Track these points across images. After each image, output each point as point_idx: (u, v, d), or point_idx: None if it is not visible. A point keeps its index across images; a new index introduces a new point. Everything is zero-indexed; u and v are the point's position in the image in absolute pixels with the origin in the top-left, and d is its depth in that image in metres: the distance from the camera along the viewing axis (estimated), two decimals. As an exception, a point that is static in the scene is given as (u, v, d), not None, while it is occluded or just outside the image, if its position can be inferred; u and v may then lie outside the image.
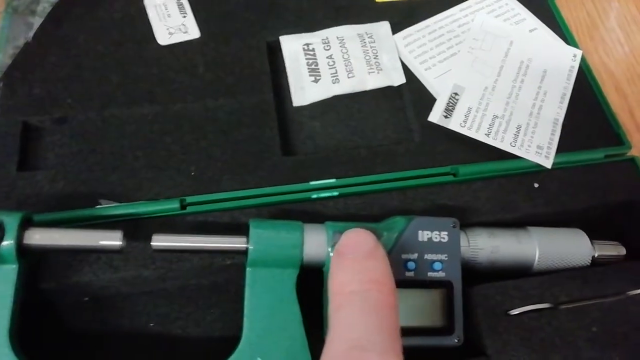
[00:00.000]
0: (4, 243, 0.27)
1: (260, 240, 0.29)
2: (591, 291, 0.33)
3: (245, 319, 0.29)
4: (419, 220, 0.31)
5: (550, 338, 0.31)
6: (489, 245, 0.32)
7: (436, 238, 0.30)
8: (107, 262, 0.31)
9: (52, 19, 0.39)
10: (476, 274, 0.32)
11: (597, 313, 0.32)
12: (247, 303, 0.29)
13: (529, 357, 0.31)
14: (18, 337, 0.27)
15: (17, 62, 0.38)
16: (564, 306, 0.32)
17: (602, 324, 0.32)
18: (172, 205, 0.33)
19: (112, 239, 0.29)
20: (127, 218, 0.33)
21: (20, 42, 0.38)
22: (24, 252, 0.28)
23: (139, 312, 0.33)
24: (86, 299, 0.33)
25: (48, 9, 0.38)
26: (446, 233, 0.31)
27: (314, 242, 0.30)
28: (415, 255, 0.30)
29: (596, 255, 0.34)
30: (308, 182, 0.35)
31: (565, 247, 0.34)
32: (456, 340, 0.30)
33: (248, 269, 0.30)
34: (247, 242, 0.29)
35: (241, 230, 0.30)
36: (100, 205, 0.33)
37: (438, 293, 0.30)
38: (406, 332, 0.29)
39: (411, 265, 0.30)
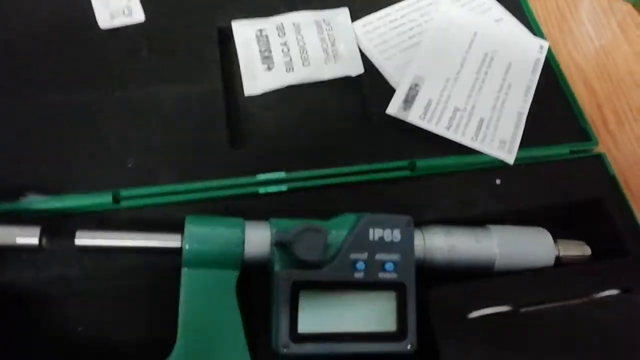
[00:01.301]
0: None
1: (196, 238, 0.27)
2: (554, 293, 0.31)
3: (180, 324, 0.27)
4: (371, 218, 0.29)
5: (510, 343, 0.29)
6: (445, 244, 0.30)
7: (388, 237, 0.28)
8: (29, 261, 0.29)
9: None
10: (433, 275, 0.30)
11: (559, 316, 0.30)
12: (182, 307, 0.27)
13: (487, 363, 0.29)
14: None
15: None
16: (525, 309, 0.30)
17: (565, 328, 0.30)
18: (104, 199, 0.31)
19: (30, 236, 0.26)
20: (54, 213, 0.30)
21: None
22: None
23: (67, 315, 0.30)
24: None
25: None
26: (399, 231, 0.29)
27: (257, 240, 0.28)
28: (365, 255, 0.28)
29: (560, 255, 0.32)
30: (255, 176, 0.33)
31: (527, 247, 0.32)
32: (409, 347, 0.27)
33: (183, 270, 0.27)
34: (182, 241, 0.27)
35: (178, 228, 0.28)
36: (25, 198, 0.30)
37: (390, 296, 0.28)
38: (355, 337, 0.27)
39: (360, 265, 0.28)
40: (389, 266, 0.28)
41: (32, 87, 0.35)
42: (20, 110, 0.34)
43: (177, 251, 0.27)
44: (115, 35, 0.37)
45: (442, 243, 0.30)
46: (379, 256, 0.28)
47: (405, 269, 0.28)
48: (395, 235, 0.28)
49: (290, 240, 0.27)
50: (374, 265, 0.28)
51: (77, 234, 0.26)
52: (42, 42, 0.36)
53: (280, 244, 0.27)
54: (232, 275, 0.28)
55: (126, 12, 0.38)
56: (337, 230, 0.28)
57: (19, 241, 0.26)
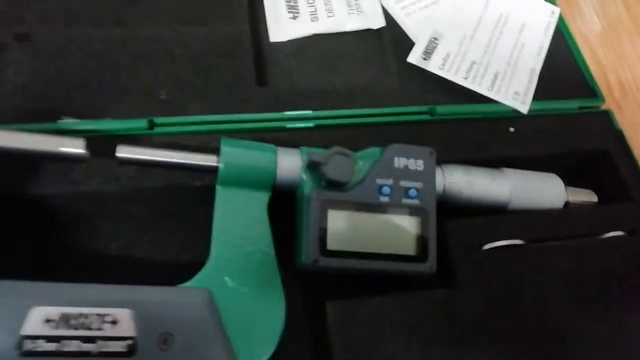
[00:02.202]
0: None
1: (231, 158, 0.28)
2: (563, 232, 0.33)
3: (213, 239, 0.28)
4: (396, 147, 0.30)
5: (521, 274, 0.31)
6: (463, 180, 0.32)
7: (412, 166, 0.30)
8: (68, 175, 0.30)
9: None
10: (451, 209, 0.32)
11: (567, 253, 0.32)
12: (216, 223, 0.28)
13: (499, 290, 0.30)
14: None
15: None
16: (535, 244, 0.32)
17: (572, 264, 0.32)
18: (140, 124, 0.32)
19: (75, 146, 0.27)
20: (91, 134, 0.31)
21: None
22: None
23: (101, 233, 0.31)
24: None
25: None
26: (422, 162, 0.30)
27: (288, 164, 0.29)
28: (390, 181, 0.29)
29: (569, 200, 0.34)
30: (283, 112, 0.34)
31: (539, 189, 0.34)
32: (429, 268, 0.29)
33: (218, 188, 0.28)
34: (218, 161, 0.28)
35: (211, 152, 0.29)
36: (62, 120, 0.31)
37: (413, 220, 0.29)
38: (381, 257, 0.28)
39: (386, 190, 0.29)
40: (412, 192, 0.29)
41: (64, 19, 0.36)
42: (51, 41, 0.35)
43: (213, 169, 0.28)
44: (147, -22, 0.38)
45: (460, 179, 0.32)
46: (403, 183, 0.29)
47: (427, 196, 0.30)
48: (419, 164, 0.30)
49: (322, 161, 0.28)
50: (398, 191, 0.29)
51: (119, 147, 0.27)
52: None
53: (312, 165, 0.28)
54: (265, 196, 0.29)
55: (157, -44, 0.39)
56: (364, 160, 0.30)
57: (64, 150, 0.27)
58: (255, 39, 0.38)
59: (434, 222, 0.30)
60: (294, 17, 0.39)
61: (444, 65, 0.37)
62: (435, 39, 0.38)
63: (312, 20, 0.39)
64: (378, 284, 0.30)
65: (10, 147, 0.26)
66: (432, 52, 0.38)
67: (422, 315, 0.29)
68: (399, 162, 0.30)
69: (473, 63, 0.38)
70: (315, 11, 0.39)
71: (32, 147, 0.27)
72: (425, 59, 0.37)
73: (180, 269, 0.28)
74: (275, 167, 0.29)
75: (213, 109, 0.34)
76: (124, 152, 0.27)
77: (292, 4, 0.39)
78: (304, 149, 0.30)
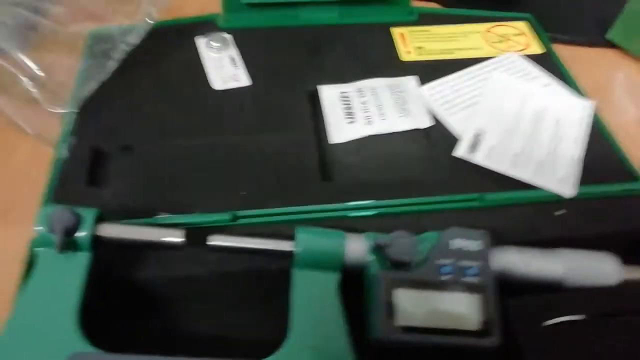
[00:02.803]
0: (81, 233, 0.30)
1: (306, 243, 0.32)
2: (624, 306, 0.34)
3: (291, 317, 0.31)
4: (452, 230, 0.33)
5: (584, 347, 0.32)
6: (517, 260, 0.34)
7: (468, 247, 0.33)
8: (163, 263, 0.34)
9: (125, 65, 0.45)
10: (506, 289, 0.34)
11: (628, 328, 0.33)
12: (293, 301, 0.31)
13: (564, 363, 0.32)
14: (85, 320, 0.29)
15: (92, 98, 0.43)
16: (595, 319, 0.33)
17: (633, 339, 0.33)
18: (225, 217, 0.37)
19: (175, 236, 0.32)
20: (184, 227, 0.36)
21: (97, 82, 0.43)
22: (96, 242, 0.31)
23: (191, 313, 0.35)
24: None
25: (122, 56, 0.44)
26: (477, 243, 0.33)
27: (355, 247, 0.33)
28: (450, 261, 0.32)
29: (625, 277, 0.35)
30: (345, 202, 0.38)
31: (594, 267, 0.35)
32: (493, 342, 0.31)
33: (294, 270, 0.32)
34: (294, 246, 0.32)
35: (288, 239, 0.33)
36: (158, 216, 0.37)
37: (473, 297, 0.32)
38: (447, 332, 0.31)
39: (446, 269, 0.32)
40: (470, 271, 0.32)
41: (160, 133, 0.42)
42: (150, 151, 0.41)
43: (289, 254, 0.32)
44: (226, 94, 0.46)
45: (514, 259, 0.34)
46: (462, 263, 0.32)
47: (486, 274, 0.32)
48: (474, 245, 0.33)
49: (387, 244, 0.32)
50: (458, 270, 0.32)
51: (209, 237, 0.32)
52: (176, 101, 0.44)
53: (378, 247, 0.32)
54: (335, 277, 0.32)
55: (234, 78, 0.47)
56: (423, 244, 0.33)
57: (165, 239, 0.32)
58: (318, 142, 0.43)
59: (494, 298, 0.32)
60: (351, 122, 0.45)
61: (489, 157, 0.41)
62: (478, 134, 0.43)
63: (367, 124, 0.45)
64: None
65: (125, 237, 0.31)
66: (477, 145, 0.42)
67: (491, 388, 0.30)
68: (456, 243, 0.33)
69: (516, 154, 0.42)
70: (370, 116, 0.45)
71: (141, 237, 0.32)
72: (471, 152, 0.42)
73: (260, 344, 0.31)
74: (344, 250, 0.32)
75: (286, 202, 0.38)
76: (214, 240, 0.32)
77: (348, 111, 0.45)
78: (369, 234, 0.33)
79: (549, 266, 0.34)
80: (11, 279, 0.38)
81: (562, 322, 0.33)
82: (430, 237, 0.34)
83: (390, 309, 0.31)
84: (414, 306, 0.31)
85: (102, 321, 0.30)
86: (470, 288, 0.32)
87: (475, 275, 0.32)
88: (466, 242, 0.33)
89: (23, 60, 0.40)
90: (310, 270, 0.32)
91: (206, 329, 0.34)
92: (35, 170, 0.44)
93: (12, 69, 0.40)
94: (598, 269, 0.35)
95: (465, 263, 0.32)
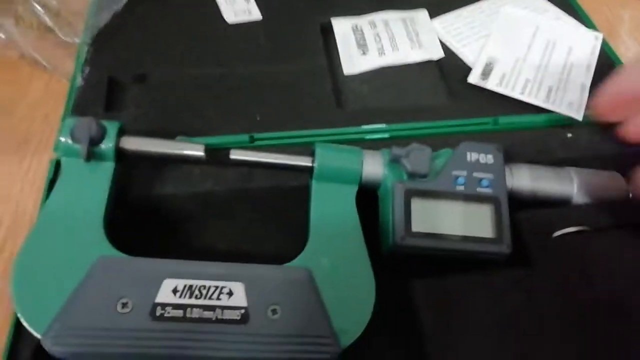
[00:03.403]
0: (106, 144, 0.31)
1: (324, 159, 0.33)
2: (629, 219, 0.35)
3: (310, 226, 0.32)
4: (467, 144, 0.34)
5: (590, 257, 0.33)
6: (530, 176, 0.35)
7: (483, 159, 0.34)
8: (185, 179, 0.35)
9: (137, -2, 0.45)
10: (519, 204, 0.35)
11: (631, 238, 0.34)
12: (312, 212, 0.32)
13: (571, 271, 0.33)
14: (112, 228, 0.30)
15: (106, 28, 0.44)
16: (602, 231, 0.34)
17: (636, 248, 0.34)
18: (242, 138, 0.37)
19: (196, 149, 0.32)
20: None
21: (110, 12, 0.43)
22: (119, 154, 0.32)
23: (210, 231, 0.36)
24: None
25: (135, -12, 0.45)
26: (492, 156, 0.34)
27: (372, 162, 0.33)
28: (465, 172, 0.33)
29: (631, 195, 0.36)
30: (361, 126, 0.39)
31: (602, 185, 0.36)
32: (506, 249, 0.32)
33: (313, 182, 0.33)
34: (313, 161, 0.33)
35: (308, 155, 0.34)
36: (178, 139, 0.37)
37: (487, 206, 0.33)
38: (460, 238, 0.32)
39: (461, 180, 0.33)
40: (484, 182, 0.33)
41: (173, 63, 0.43)
42: (164, 80, 0.42)
43: (309, 169, 0.33)
44: (238, 28, 0.46)
45: (526, 175, 0.35)
46: (476, 174, 0.33)
47: (499, 186, 0.33)
48: (489, 158, 0.34)
49: (403, 155, 0.32)
50: (472, 181, 0.33)
51: (232, 151, 0.32)
52: (189, 33, 0.45)
53: (395, 158, 0.33)
54: (353, 189, 0.33)
55: (246, 11, 0.47)
56: (439, 158, 0.34)
57: (186, 152, 0.32)
58: (331, 72, 0.44)
59: (507, 208, 0.33)
60: (364, 53, 0.45)
61: (501, 83, 0.42)
62: (490, 62, 0.43)
63: (380, 55, 0.45)
64: (457, 268, 0.33)
65: (147, 150, 0.32)
66: (489, 73, 0.42)
67: (502, 291, 0.31)
68: (471, 156, 0.34)
69: (527, 81, 0.42)
70: (382, 47, 0.45)
71: (163, 150, 0.32)
72: (483, 78, 0.42)
73: (280, 257, 0.32)
74: (362, 165, 0.33)
75: (301, 126, 0.39)
76: (236, 154, 0.32)
77: (361, 42, 0.45)
78: (385, 150, 0.34)
79: (560, 182, 0.35)
80: (28, 201, 0.39)
81: (570, 233, 0.34)
82: (445, 153, 0.34)
83: (407, 216, 0.32)
84: (429, 214, 0.32)
85: (126, 234, 0.31)
86: (484, 198, 0.33)
87: (488, 186, 0.33)
88: (480, 155, 0.34)
89: (37, -11, 0.40)
90: (329, 183, 0.33)
91: (226, 243, 0.35)
92: (50, 102, 0.45)
93: (27, -3, 0.40)
94: (606, 185, 0.36)
95: (480, 174, 0.33)
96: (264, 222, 0.36)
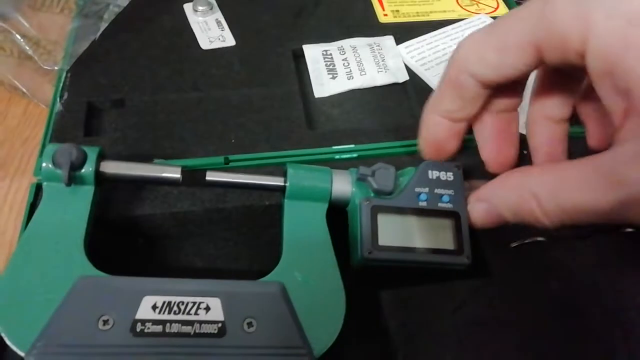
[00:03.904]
0: (86, 169, 0.32)
1: (296, 178, 0.35)
2: (583, 229, 0.38)
3: (283, 242, 0.34)
4: (428, 163, 0.37)
5: (545, 265, 0.36)
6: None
7: (443, 177, 0.36)
8: (163, 200, 0.37)
9: (115, 25, 0.47)
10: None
11: (584, 246, 0.37)
12: (285, 229, 0.34)
13: (528, 278, 0.35)
14: (92, 251, 0.31)
15: (84, 56, 0.45)
16: (555, 240, 0.37)
17: (589, 254, 0.37)
18: (218, 160, 0.39)
19: (173, 172, 0.34)
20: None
21: (88, 41, 0.45)
22: (99, 178, 0.33)
23: (184, 247, 0.37)
24: (141, 240, 0.37)
25: (112, 17, 0.46)
26: (451, 173, 0.36)
27: (341, 181, 0.36)
28: (427, 189, 0.35)
29: None
30: (331, 147, 0.41)
31: None
32: (466, 259, 0.34)
33: (286, 201, 0.35)
34: (285, 181, 0.35)
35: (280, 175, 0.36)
36: (154, 162, 0.39)
37: (448, 220, 0.35)
38: (424, 250, 0.34)
39: (423, 197, 0.35)
40: (445, 198, 0.35)
41: (151, 89, 0.44)
42: (142, 105, 0.43)
43: (281, 188, 0.35)
44: (213, 53, 0.48)
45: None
46: (437, 190, 0.35)
47: (458, 201, 0.35)
48: (449, 175, 0.36)
49: (369, 174, 0.35)
50: (434, 197, 0.35)
51: (208, 172, 0.34)
52: (165, 59, 0.47)
53: (362, 177, 0.35)
54: (323, 207, 0.35)
55: (221, 39, 0.49)
56: (403, 176, 0.36)
57: (164, 175, 0.34)
58: (303, 95, 0.46)
59: (466, 222, 0.35)
60: (333, 77, 0.47)
61: (461, 105, 0.44)
62: (452, 86, 0.46)
63: (349, 79, 0.47)
64: (421, 278, 0.35)
65: (126, 173, 0.33)
66: (451, 96, 0.45)
67: (463, 300, 0.34)
68: (432, 174, 0.36)
69: (486, 103, 0.45)
70: (351, 71, 0.48)
71: (141, 173, 0.34)
72: (445, 101, 0.45)
73: (254, 272, 0.34)
74: (331, 183, 0.35)
75: (274, 148, 0.41)
76: (212, 176, 0.34)
77: (331, 67, 0.48)
78: (353, 170, 0.36)
79: None
80: (8, 222, 0.40)
81: (526, 243, 0.37)
82: (408, 171, 0.37)
83: (374, 231, 0.34)
84: (395, 229, 0.34)
85: (105, 253, 0.32)
86: (445, 213, 0.35)
87: (449, 202, 0.35)
88: (441, 173, 0.36)
89: (18, 19, 0.42)
90: (300, 201, 0.35)
91: (203, 260, 0.37)
92: (28, 127, 0.46)
93: (8, 28, 0.41)
94: None
95: (441, 191, 0.36)
96: (238, 239, 0.37)
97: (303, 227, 0.34)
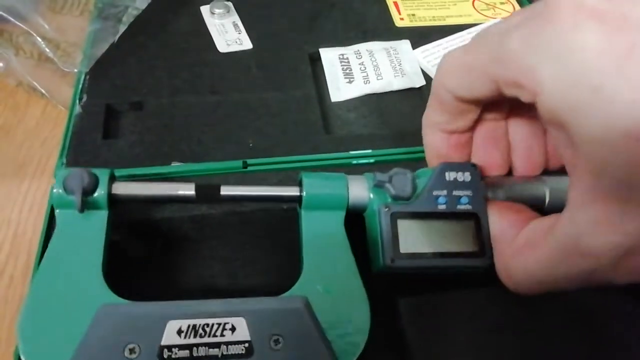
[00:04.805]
0: (98, 193, 0.31)
1: (311, 186, 0.34)
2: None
3: (303, 255, 0.33)
4: (445, 164, 0.36)
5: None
6: (505, 184, 0.35)
7: (460, 178, 0.35)
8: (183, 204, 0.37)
9: (134, 28, 0.47)
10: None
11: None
12: (304, 240, 0.33)
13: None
14: (109, 274, 0.31)
15: (103, 58, 0.45)
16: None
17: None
18: (236, 164, 0.39)
19: (187, 190, 0.33)
20: (197, 174, 0.39)
21: (107, 43, 0.45)
22: (112, 200, 0.32)
23: (204, 252, 0.37)
24: (160, 241, 0.37)
25: (131, 19, 0.47)
26: (469, 173, 0.35)
27: (357, 187, 0.35)
28: (445, 192, 0.35)
29: None
30: (348, 152, 0.41)
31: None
32: (489, 261, 0.33)
33: (302, 212, 0.34)
34: (301, 190, 0.34)
35: (295, 184, 0.35)
36: (173, 164, 0.39)
37: (468, 222, 0.34)
38: (445, 255, 0.33)
39: (442, 200, 0.34)
40: (464, 200, 0.34)
41: (169, 91, 0.45)
42: (160, 107, 0.44)
43: (297, 198, 0.34)
44: (230, 57, 0.48)
45: (501, 182, 0.36)
46: (456, 192, 0.35)
47: (477, 202, 0.34)
48: (466, 176, 0.35)
49: (386, 180, 0.34)
50: (452, 199, 0.34)
51: (222, 187, 0.33)
52: (183, 62, 0.47)
53: (379, 184, 0.34)
54: (341, 215, 0.34)
55: (238, 42, 0.49)
56: (420, 179, 0.35)
57: (179, 193, 0.32)
58: (319, 100, 0.46)
59: (487, 222, 0.34)
60: (350, 82, 0.47)
61: (478, 111, 0.44)
62: (469, 91, 0.46)
63: (365, 83, 0.47)
64: (438, 285, 0.35)
65: (139, 194, 0.33)
66: (468, 101, 0.45)
67: (481, 305, 0.34)
68: (449, 175, 0.35)
69: (503, 108, 0.45)
70: (367, 76, 0.48)
71: (154, 193, 0.33)
72: (462, 107, 0.45)
73: (270, 282, 0.34)
74: (347, 190, 0.35)
75: (292, 152, 0.41)
76: (226, 190, 0.33)
77: (347, 71, 0.48)
78: (369, 174, 0.36)
79: (532, 192, 0.35)
80: (28, 222, 0.40)
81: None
82: (425, 172, 0.36)
83: (394, 238, 0.33)
84: (416, 234, 0.34)
85: (124, 274, 0.32)
86: (464, 215, 0.34)
87: (468, 203, 0.34)
88: (458, 174, 0.35)
89: (38, 22, 0.42)
90: (317, 211, 0.34)
91: (220, 268, 0.37)
92: (47, 128, 0.47)
93: (29, 29, 0.42)
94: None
95: (459, 192, 0.35)
96: (259, 245, 0.37)
97: (322, 237, 0.34)
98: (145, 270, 0.36)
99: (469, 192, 0.35)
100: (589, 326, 0.34)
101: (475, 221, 0.34)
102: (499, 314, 0.34)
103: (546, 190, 0.36)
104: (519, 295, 0.32)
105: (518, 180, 0.37)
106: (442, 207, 0.34)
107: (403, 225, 0.34)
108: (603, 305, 0.35)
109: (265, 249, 0.38)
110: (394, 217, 0.34)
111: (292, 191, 0.34)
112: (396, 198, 0.34)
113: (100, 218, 0.32)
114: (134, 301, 0.30)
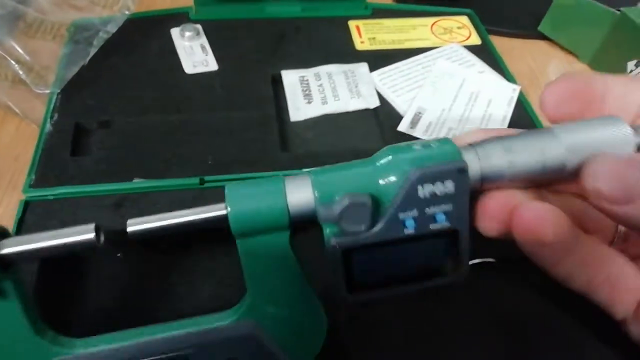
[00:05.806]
0: None
1: (237, 199, 0.26)
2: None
3: (246, 280, 0.29)
4: (420, 176, 0.25)
5: (497, 286, 0.39)
6: (504, 161, 0.26)
7: (440, 190, 0.26)
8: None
9: (104, 50, 0.50)
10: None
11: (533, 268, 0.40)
12: (245, 268, 0.29)
13: (477, 300, 0.38)
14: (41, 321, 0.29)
15: (74, 80, 0.48)
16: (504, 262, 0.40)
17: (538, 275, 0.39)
18: (194, 181, 0.42)
19: (87, 232, 0.25)
20: (155, 190, 0.41)
21: (78, 65, 0.48)
22: (7, 267, 0.26)
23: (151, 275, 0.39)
24: (118, 254, 0.39)
25: (101, 42, 0.49)
26: (451, 181, 0.25)
27: (298, 188, 0.26)
28: (415, 213, 0.26)
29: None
30: (301, 169, 0.44)
31: (601, 139, 0.26)
32: (463, 274, 0.29)
33: (237, 241, 0.27)
34: (226, 207, 0.26)
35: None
36: (134, 180, 0.42)
37: (442, 241, 0.28)
38: (411, 279, 0.28)
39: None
40: (440, 217, 0.26)
41: (137, 111, 0.47)
42: (127, 126, 0.46)
43: (225, 218, 0.26)
44: (196, 78, 0.51)
45: (500, 160, 0.26)
46: (429, 210, 0.26)
47: (459, 214, 0.26)
48: (448, 186, 0.25)
49: (336, 217, 0.26)
50: (424, 220, 0.26)
51: (128, 222, 0.25)
52: (151, 83, 0.50)
53: (325, 221, 0.26)
54: (284, 237, 0.27)
55: (204, 63, 0.52)
56: (384, 176, 0.27)
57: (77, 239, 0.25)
58: (279, 119, 0.49)
59: (466, 236, 0.27)
60: (309, 102, 0.50)
61: (426, 132, 0.47)
62: (419, 112, 0.49)
63: (323, 104, 0.50)
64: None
65: (34, 247, 0.25)
66: (418, 122, 0.48)
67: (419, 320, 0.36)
68: (424, 192, 0.26)
69: (450, 129, 0.48)
70: (325, 97, 0.51)
71: (49, 244, 0.25)
72: (412, 127, 0.48)
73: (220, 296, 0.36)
74: (286, 199, 0.26)
75: (249, 169, 0.44)
76: (133, 225, 0.26)
77: (307, 92, 0.51)
78: (315, 170, 0.28)
79: (546, 161, 0.26)
80: None
81: (476, 264, 0.39)
82: (392, 186, 0.26)
83: (349, 272, 0.27)
84: (376, 266, 0.28)
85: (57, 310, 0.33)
86: (438, 234, 0.27)
87: (445, 220, 0.26)
88: (436, 186, 0.26)
89: (12, 45, 0.45)
90: (254, 237, 0.27)
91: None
92: (20, 144, 0.49)
93: (2, 53, 0.44)
94: (606, 139, 0.26)
95: (434, 209, 0.26)
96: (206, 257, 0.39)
97: (265, 264, 0.28)
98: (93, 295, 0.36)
99: (448, 207, 0.26)
100: (521, 343, 0.37)
101: (452, 238, 0.27)
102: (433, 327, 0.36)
103: (561, 143, 0.26)
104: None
105: (522, 147, 0.26)
106: (409, 231, 0.26)
107: (359, 258, 0.27)
108: (536, 321, 0.38)
109: (216, 260, 0.40)
110: (347, 252, 0.27)
111: (217, 209, 0.26)
112: (350, 234, 0.26)
113: (10, 289, 0.26)
114: (80, 339, 0.29)
